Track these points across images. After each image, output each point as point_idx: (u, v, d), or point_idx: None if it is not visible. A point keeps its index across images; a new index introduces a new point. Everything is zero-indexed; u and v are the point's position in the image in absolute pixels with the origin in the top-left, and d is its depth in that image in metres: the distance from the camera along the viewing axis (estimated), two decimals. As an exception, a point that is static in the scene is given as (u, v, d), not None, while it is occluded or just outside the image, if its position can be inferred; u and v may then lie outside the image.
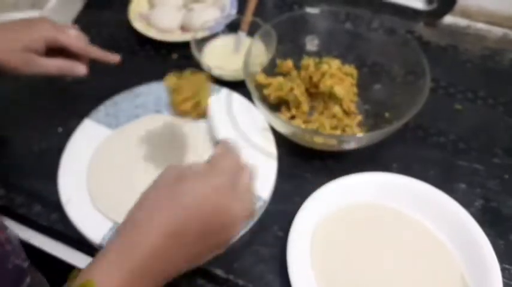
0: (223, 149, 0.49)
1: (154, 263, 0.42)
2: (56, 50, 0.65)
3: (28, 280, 0.51)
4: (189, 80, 0.62)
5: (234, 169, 0.47)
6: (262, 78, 0.73)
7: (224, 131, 0.70)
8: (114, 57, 0.70)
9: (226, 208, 0.45)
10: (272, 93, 0.72)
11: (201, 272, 0.58)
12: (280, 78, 0.74)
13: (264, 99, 0.72)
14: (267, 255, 0.60)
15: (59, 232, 0.63)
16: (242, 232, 0.61)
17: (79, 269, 0.42)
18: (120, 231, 0.44)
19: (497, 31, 0.89)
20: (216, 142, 0.53)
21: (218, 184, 0.45)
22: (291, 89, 0.71)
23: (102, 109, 0.73)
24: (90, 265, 0.42)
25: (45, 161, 0.68)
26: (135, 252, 0.41)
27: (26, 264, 0.53)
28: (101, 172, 0.66)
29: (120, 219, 0.60)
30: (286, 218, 0.61)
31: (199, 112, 0.61)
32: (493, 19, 0.89)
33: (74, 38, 0.66)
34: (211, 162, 0.47)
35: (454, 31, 0.89)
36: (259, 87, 0.73)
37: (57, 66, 0.65)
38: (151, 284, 0.42)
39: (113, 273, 0.40)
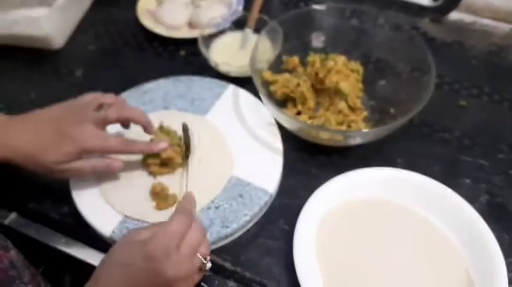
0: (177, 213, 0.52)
1: None
2: None
3: None
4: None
5: (175, 234, 0.48)
6: (268, 74, 0.74)
7: (231, 128, 0.71)
8: (158, 147, 0.63)
9: (164, 275, 0.47)
10: (278, 89, 0.73)
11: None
12: (286, 75, 0.75)
13: (271, 96, 0.73)
14: (274, 248, 0.61)
15: (69, 226, 0.64)
16: (249, 225, 0.62)
17: None
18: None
19: (504, 27, 0.89)
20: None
21: (156, 250, 0.47)
22: (297, 85, 0.72)
23: (111, 105, 0.74)
24: None
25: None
26: None
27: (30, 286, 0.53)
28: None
29: (129, 212, 0.61)
30: (292, 212, 0.61)
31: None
32: (499, 15, 0.89)
33: (113, 143, 0.60)
34: (157, 228, 0.50)
35: (459, 27, 0.89)
36: (266, 83, 0.74)
37: (91, 167, 0.60)
38: None
39: None
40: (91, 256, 0.63)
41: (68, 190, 0.64)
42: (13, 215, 0.67)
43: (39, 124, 0.59)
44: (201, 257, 0.50)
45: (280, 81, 0.73)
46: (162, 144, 0.63)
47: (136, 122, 0.63)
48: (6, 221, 0.66)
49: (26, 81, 0.82)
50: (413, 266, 0.58)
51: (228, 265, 0.60)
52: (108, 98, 0.63)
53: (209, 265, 0.51)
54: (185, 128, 0.66)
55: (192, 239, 0.49)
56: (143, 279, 0.47)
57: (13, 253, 0.52)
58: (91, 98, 0.61)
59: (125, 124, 0.65)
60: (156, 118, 0.71)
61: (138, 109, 0.64)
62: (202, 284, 0.53)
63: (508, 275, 0.54)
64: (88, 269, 0.60)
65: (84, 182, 0.65)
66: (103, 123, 0.61)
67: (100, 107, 0.61)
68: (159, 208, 0.62)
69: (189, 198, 0.56)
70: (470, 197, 0.61)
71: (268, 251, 0.61)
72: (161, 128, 0.66)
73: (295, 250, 0.57)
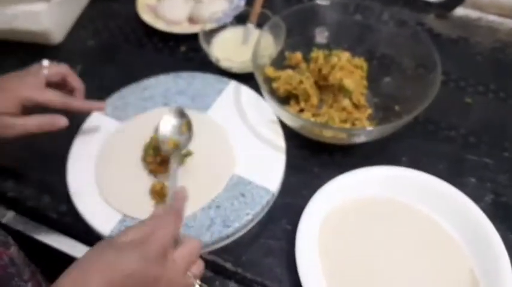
0: (158, 215, 0.49)
1: None
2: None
3: None
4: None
5: (167, 239, 0.46)
6: (271, 71, 0.73)
7: (233, 124, 0.70)
8: (98, 106, 0.67)
9: (156, 280, 0.44)
10: (281, 86, 0.72)
11: (209, 265, 0.59)
12: (289, 71, 0.74)
13: (273, 92, 0.72)
14: (276, 248, 0.60)
15: (68, 225, 0.64)
16: (251, 225, 0.62)
17: None
18: None
19: (509, 23, 0.88)
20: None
21: (149, 254, 0.44)
22: (300, 82, 0.71)
23: (110, 102, 0.73)
24: None
25: (53, 154, 0.69)
26: None
27: (29, 285, 0.52)
28: (110, 163, 0.66)
29: (128, 211, 0.61)
30: (295, 211, 0.60)
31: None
32: (504, 11, 0.88)
33: (52, 95, 0.62)
34: (145, 228, 0.46)
35: (465, 23, 0.88)
36: (268, 79, 0.73)
37: (37, 124, 0.61)
38: None
39: None
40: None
41: (67, 189, 0.63)
42: (11, 214, 0.66)
43: None
44: (191, 276, 0.47)
45: (282, 77, 0.72)
46: (100, 104, 0.66)
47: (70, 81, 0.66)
48: (4, 220, 0.65)
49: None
50: (417, 265, 0.57)
51: (229, 265, 0.59)
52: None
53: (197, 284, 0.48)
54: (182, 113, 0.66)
55: (184, 253, 0.47)
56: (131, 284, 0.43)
57: (13, 250, 0.52)
58: (38, 67, 0.64)
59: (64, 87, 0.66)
60: (156, 115, 0.70)
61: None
62: (202, 284, 0.52)
63: (513, 275, 0.53)
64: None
65: (83, 180, 0.64)
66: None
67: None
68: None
69: (181, 197, 0.53)
70: (475, 196, 0.61)
71: (270, 252, 0.60)
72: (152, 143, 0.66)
73: (297, 250, 0.56)
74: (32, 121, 0.61)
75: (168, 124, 0.68)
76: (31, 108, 0.62)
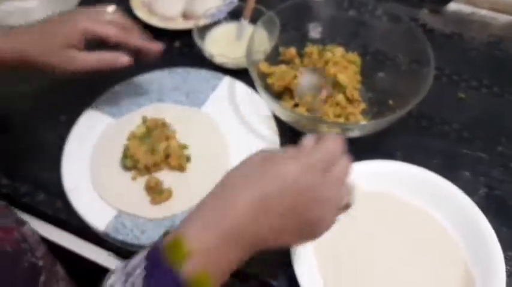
0: (320, 137, 0.46)
1: (245, 229, 0.41)
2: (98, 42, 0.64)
3: (43, 278, 0.52)
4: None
5: (329, 155, 0.44)
6: (265, 67, 0.73)
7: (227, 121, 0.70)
8: (155, 46, 0.67)
9: (319, 191, 0.43)
10: (275, 81, 0.72)
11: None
12: (283, 67, 0.74)
13: (267, 87, 0.72)
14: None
15: (63, 221, 0.64)
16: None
17: (166, 232, 0.42)
18: (214, 194, 0.43)
19: (503, 18, 0.88)
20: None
21: (312, 166, 0.42)
22: (294, 77, 0.71)
23: (104, 99, 0.73)
24: (183, 223, 0.42)
25: (48, 150, 0.69)
26: (229, 214, 0.40)
27: (41, 262, 0.53)
28: (105, 160, 0.66)
29: (123, 207, 0.61)
30: None
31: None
32: (498, 6, 0.88)
33: (112, 28, 0.63)
34: (305, 146, 0.45)
35: (458, 18, 0.89)
36: (263, 75, 0.73)
37: (98, 59, 0.63)
38: (239, 251, 0.41)
39: (207, 231, 0.40)
40: (84, 248, 0.63)
41: (61, 185, 0.63)
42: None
43: (43, 23, 0.62)
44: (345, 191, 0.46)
45: (277, 73, 0.72)
46: (158, 45, 0.67)
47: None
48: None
49: (20, 72, 0.80)
50: (412, 258, 0.58)
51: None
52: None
53: (353, 200, 0.46)
54: None
55: (341, 171, 0.45)
56: (302, 192, 0.42)
57: (27, 228, 0.53)
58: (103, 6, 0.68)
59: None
60: (151, 111, 0.70)
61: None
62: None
63: (506, 268, 0.54)
64: (81, 261, 0.60)
65: (78, 177, 0.64)
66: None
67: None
68: (154, 202, 0.61)
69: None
70: (469, 190, 0.61)
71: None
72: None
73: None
74: (94, 56, 0.63)
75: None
76: (94, 46, 0.63)
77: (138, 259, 0.40)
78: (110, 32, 0.63)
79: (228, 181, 0.44)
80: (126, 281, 0.39)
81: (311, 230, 0.45)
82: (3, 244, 0.48)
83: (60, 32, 0.61)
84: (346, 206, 0.46)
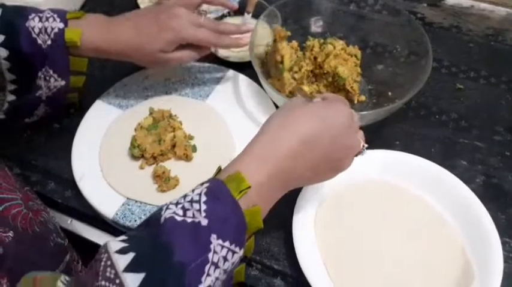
0: (328, 97, 0.54)
1: (289, 166, 0.47)
2: None
3: (68, 257, 0.54)
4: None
5: (347, 107, 0.52)
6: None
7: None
8: (245, 39, 0.70)
9: (348, 133, 0.51)
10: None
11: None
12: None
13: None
14: (274, 228, 0.62)
15: (73, 208, 0.66)
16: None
17: (219, 169, 0.48)
18: (265, 133, 0.49)
19: (501, 11, 0.89)
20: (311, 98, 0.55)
21: (343, 112, 0.51)
22: (300, 68, 0.72)
23: (112, 91, 0.75)
24: (236, 160, 0.48)
25: (58, 141, 0.71)
26: (277, 154, 0.47)
27: (66, 242, 0.55)
28: (113, 150, 0.68)
29: (131, 195, 0.63)
30: (291, 194, 0.60)
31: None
32: (496, -1, 0.90)
33: (207, 33, 0.67)
34: (327, 100, 0.53)
35: (457, 11, 0.89)
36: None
37: (190, 57, 0.68)
38: (281, 185, 0.48)
39: (260, 166, 0.46)
40: (94, 235, 0.65)
41: (71, 174, 0.65)
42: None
43: (139, 19, 0.66)
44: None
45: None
46: (246, 39, 0.70)
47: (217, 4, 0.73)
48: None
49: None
50: (411, 245, 0.58)
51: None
52: None
53: (366, 146, 0.54)
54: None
55: (356, 120, 0.53)
56: (338, 133, 0.49)
57: (49, 213, 0.56)
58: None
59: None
60: (157, 103, 0.72)
61: None
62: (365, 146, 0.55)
63: (503, 254, 0.55)
64: (91, 248, 0.61)
65: (87, 166, 0.66)
66: (191, 8, 0.69)
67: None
68: (161, 190, 0.63)
69: None
70: (467, 178, 0.62)
71: (268, 231, 0.61)
72: None
73: (294, 229, 0.58)
74: (186, 54, 0.68)
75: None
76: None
77: (197, 191, 0.43)
78: (205, 37, 0.67)
79: (274, 121, 0.50)
80: (185, 209, 0.41)
81: (335, 168, 0.53)
82: (33, 224, 0.50)
83: (160, 41, 0.65)
84: (360, 151, 0.54)
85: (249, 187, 0.44)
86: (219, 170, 0.48)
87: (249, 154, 0.47)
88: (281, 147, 0.47)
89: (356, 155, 0.54)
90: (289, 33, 0.73)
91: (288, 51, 0.72)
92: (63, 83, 0.65)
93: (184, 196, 0.43)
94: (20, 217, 0.49)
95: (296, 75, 0.73)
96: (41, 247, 0.51)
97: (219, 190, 0.43)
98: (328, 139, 0.48)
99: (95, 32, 0.63)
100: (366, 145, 0.54)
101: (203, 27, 0.67)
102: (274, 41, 0.72)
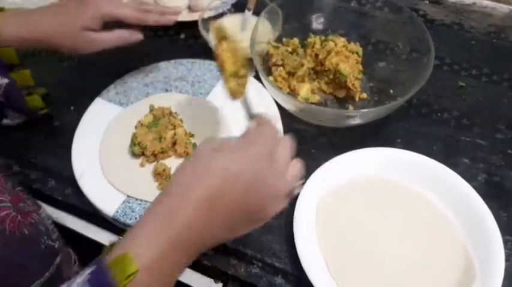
0: (259, 123, 0.48)
1: (189, 235, 0.41)
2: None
3: (58, 259, 0.54)
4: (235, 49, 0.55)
5: (270, 141, 0.45)
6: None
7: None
8: (171, 18, 0.70)
9: (265, 178, 0.43)
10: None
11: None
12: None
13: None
14: (274, 226, 0.62)
15: (73, 206, 0.65)
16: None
17: (112, 244, 0.41)
18: (158, 201, 0.42)
19: (503, 8, 0.89)
20: (251, 116, 0.51)
21: (256, 154, 0.43)
22: (302, 65, 0.72)
23: (113, 88, 0.75)
24: (125, 237, 0.41)
25: (58, 138, 0.71)
26: (172, 224, 0.40)
27: (56, 244, 0.55)
28: (113, 147, 0.68)
29: (132, 192, 0.62)
30: None
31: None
32: (499, -4, 0.89)
33: (130, 10, 0.66)
34: (247, 135, 0.46)
35: (459, 8, 0.89)
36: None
37: (116, 38, 0.67)
38: (184, 256, 0.42)
39: (151, 245, 0.40)
40: (94, 233, 0.65)
41: (71, 171, 0.65)
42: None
43: (59, 5, 0.65)
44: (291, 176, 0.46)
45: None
46: (173, 16, 0.69)
47: None
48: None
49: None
50: (412, 243, 0.58)
51: (229, 243, 0.60)
52: None
53: (300, 186, 0.47)
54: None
55: (284, 151, 0.46)
56: (248, 185, 0.42)
57: (43, 212, 0.55)
58: None
59: None
60: (157, 100, 0.72)
61: None
62: (205, 262, 0.53)
63: (505, 252, 0.55)
64: (91, 245, 0.61)
65: (88, 163, 0.66)
66: None
67: None
68: (161, 188, 0.63)
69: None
70: (469, 176, 0.62)
71: (269, 229, 0.61)
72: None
73: (295, 228, 0.58)
74: (113, 36, 0.66)
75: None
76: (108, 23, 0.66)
77: (79, 280, 0.38)
78: (128, 14, 0.66)
79: (178, 177, 0.43)
80: None
81: (258, 217, 0.45)
82: (22, 226, 0.49)
83: (79, 16, 0.63)
84: (292, 188, 0.46)
85: (137, 271, 0.38)
86: (112, 244, 0.42)
87: (142, 227, 0.41)
88: (178, 215, 0.41)
89: (289, 195, 0.46)
90: (227, 31, 0.56)
91: (228, 54, 0.55)
92: (6, 80, 0.64)
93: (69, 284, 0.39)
94: (8, 219, 0.48)
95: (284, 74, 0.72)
96: (29, 250, 0.50)
97: (102, 280, 0.38)
98: (240, 191, 0.42)
99: (14, 23, 0.62)
100: (302, 181, 0.47)
101: (127, 6, 0.66)
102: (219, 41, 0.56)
